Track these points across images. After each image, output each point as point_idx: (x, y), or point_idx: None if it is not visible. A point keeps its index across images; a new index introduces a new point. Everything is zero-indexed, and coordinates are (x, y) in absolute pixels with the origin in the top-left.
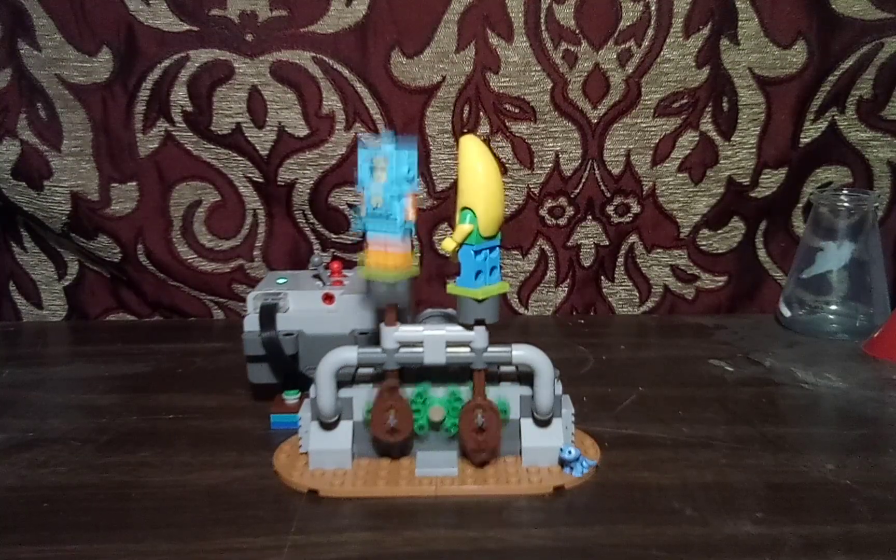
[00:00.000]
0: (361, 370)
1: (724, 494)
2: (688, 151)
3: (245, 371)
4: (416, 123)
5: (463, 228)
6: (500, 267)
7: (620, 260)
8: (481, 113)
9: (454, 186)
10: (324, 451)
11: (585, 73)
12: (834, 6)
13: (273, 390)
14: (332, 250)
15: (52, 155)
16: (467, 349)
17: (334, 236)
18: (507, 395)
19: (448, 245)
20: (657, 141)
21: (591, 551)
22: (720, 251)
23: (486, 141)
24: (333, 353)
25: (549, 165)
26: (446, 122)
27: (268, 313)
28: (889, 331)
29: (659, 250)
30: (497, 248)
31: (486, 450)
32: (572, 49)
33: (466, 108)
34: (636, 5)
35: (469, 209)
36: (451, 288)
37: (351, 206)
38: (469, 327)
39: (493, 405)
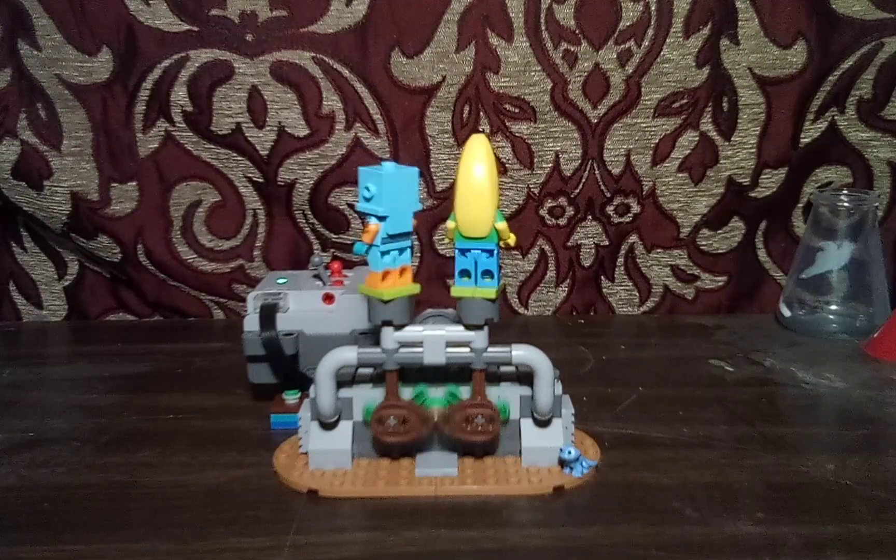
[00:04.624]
0: (361, 370)
1: (724, 494)
2: (688, 151)
3: (245, 371)
4: (416, 123)
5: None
6: (499, 272)
7: (620, 260)
8: (481, 113)
9: (454, 186)
10: (324, 451)
11: (585, 73)
12: (834, 6)
13: (273, 390)
14: (332, 250)
15: (52, 155)
16: (467, 349)
17: (334, 236)
18: (507, 395)
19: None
20: (657, 141)
21: (591, 551)
22: (720, 251)
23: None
24: (333, 353)
25: (549, 165)
26: (446, 122)
27: (268, 313)
28: (889, 331)
29: (659, 250)
30: (493, 252)
31: (452, 427)
32: (572, 49)
33: (466, 108)
34: (636, 5)
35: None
36: (455, 290)
37: (356, 209)
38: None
39: (498, 421)
